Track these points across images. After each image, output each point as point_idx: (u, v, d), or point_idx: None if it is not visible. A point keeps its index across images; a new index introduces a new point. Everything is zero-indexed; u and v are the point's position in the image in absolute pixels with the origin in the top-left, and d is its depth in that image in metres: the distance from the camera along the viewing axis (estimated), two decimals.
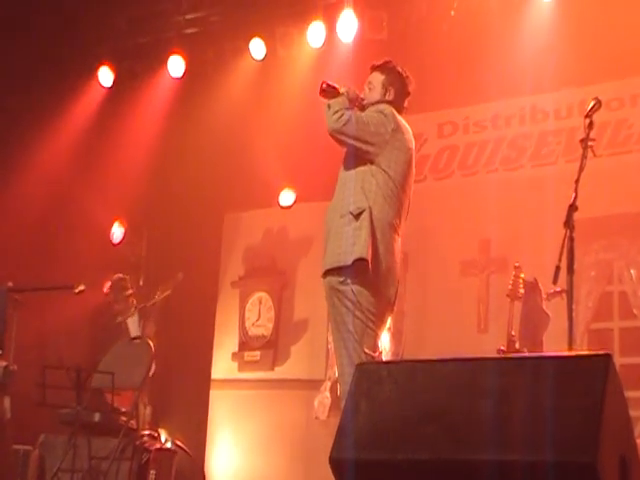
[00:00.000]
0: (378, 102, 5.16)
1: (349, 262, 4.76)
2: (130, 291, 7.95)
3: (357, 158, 5.00)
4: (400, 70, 5.28)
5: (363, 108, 5.17)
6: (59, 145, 9.32)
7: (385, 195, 4.91)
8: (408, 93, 5.28)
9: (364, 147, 4.95)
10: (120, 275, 8.18)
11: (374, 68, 5.29)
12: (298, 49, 8.76)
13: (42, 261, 8.91)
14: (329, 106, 4.99)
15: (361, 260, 4.74)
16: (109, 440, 6.28)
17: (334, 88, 5.09)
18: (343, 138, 4.96)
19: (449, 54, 8.05)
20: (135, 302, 8.05)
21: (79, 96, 9.52)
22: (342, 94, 5.04)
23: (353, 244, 4.78)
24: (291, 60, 8.86)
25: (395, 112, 5.10)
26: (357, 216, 4.84)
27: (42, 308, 7.60)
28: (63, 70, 9.23)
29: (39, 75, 9.18)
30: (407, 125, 5.17)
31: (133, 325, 7.91)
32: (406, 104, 5.28)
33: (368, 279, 4.76)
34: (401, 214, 5.00)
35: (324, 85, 5.10)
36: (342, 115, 4.91)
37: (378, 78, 5.24)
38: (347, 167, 5.06)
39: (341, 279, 4.79)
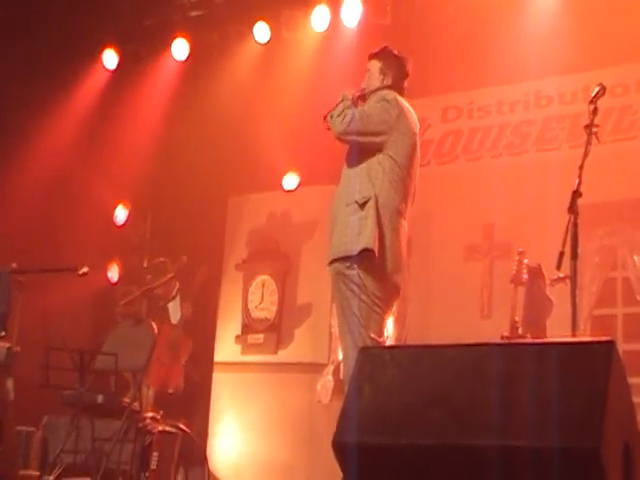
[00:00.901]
0: (378, 89, 5.17)
1: (355, 252, 4.78)
2: (171, 274, 7.96)
3: (362, 150, 5.01)
4: (396, 53, 5.32)
5: (365, 98, 5.19)
6: (63, 128, 9.32)
7: (391, 180, 4.92)
8: (407, 74, 5.32)
9: (372, 139, 4.97)
10: (161, 259, 8.19)
11: (371, 56, 5.34)
12: (302, 33, 8.75)
13: (46, 243, 8.92)
14: (332, 115, 5.00)
15: (367, 250, 4.75)
16: (112, 422, 6.30)
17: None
18: (351, 138, 4.97)
19: (453, 38, 8.03)
20: (177, 285, 8.11)
21: (83, 79, 9.51)
22: (340, 102, 5.05)
23: (359, 234, 4.79)
24: (295, 44, 8.85)
25: (398, 96, 5.12)
26: (363, 205, 4.84)
27: (46, 290, 7.61)
28: (67, 53, 9.22)
29: (43, 59, 9.17)
30: (410, 108, 5.19)
31: (174, 309, 7.97)
32: (406, 85, 5.31)
33: (374, 266, 4.77)
34: (407, 199, 5.01)
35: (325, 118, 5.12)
36: (345, 116, 4.93)
37: (375, 65, 5.28)
38: (351, 160, 5.07)
39: (347, 264, 4.81)
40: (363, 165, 4.98)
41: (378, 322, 4.83)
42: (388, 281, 4.86)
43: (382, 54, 5.32)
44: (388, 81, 5.22)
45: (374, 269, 4.78)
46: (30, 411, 7.17)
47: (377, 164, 4.94)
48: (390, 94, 5.10)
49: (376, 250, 4.74)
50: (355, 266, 4.78)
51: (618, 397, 2.89)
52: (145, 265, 9.72)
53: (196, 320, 8.48)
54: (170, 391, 7.57)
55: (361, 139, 4.96)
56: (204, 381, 8.99)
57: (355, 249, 4.77)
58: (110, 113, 9.32)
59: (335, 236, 4.91)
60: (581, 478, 2.70)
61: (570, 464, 2.70)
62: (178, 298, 8.02)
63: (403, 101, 5.14)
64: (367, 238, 4.76)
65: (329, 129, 5.06)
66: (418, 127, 5.20)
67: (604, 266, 7.50)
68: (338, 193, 5.05)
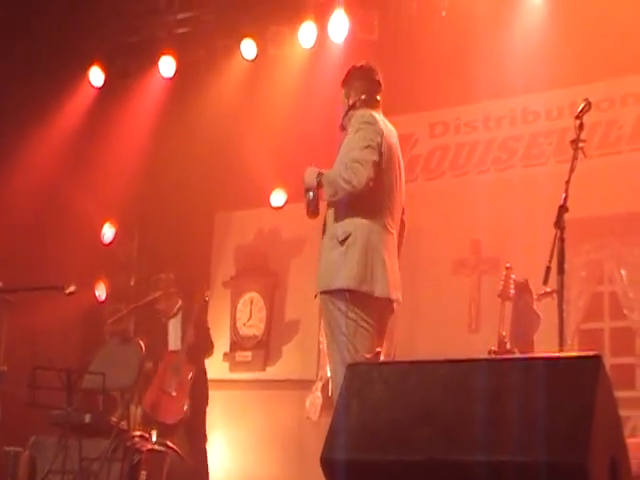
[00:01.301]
0: (346, 112, 5.06)
1: (336, 287, 4.76)
2: (173, 289, 7.91)
3: None
4: (361, 65, 5.17)
5: (343, 127, 5.10)
6: (50, 145, 9.30)
7: (374, 203, 4.83)
8: (376, 83, 5.13)
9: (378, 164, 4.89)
10: (161, 275, 8.13)
11: (341, 85, 5.20)
12: (289, 49, 8.76)
13: (33, 261, 8.89)
14: (327, 188, 4.82)
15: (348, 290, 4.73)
16: (100, 441, 6.26)
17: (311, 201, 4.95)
18: (365, 184, 4.71)
19: (440, 54, 8.05)
20: (180, 302, 8.08)
21: (70, 96, 9.50)
22: (315, 183, 4.86)
23: (339, 270, 4.75)
24: (282, 60, 8.86)
25: (370, 112, 4.95)
26: (342, 242, 4.79)
27: (33, 308, 7.56)
28: (54, 70, 9.20)
29: (29, 75, 9.15)
30: (385, 120, 5.02)
31: (174, 328, 7.90)
32: (379, 97, 5.11)
33: (360, 296, 4.73)
34: (393, 210, 4.94)
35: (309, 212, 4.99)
36: (339, 189, 4.74)
37: (343, 93, 5.14)
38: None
39: (333, 296, 4.79)
40: None
41: (367, 338, 4.78)
42: (378, 301, 4.81)
43: (345, 79, 5.17)
44: (352, 100, 5.06)
45: (360, 298, 4.75)
46: (17, 431, 7.13)
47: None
48: (364, 116, 4.91)
49: (355, 289, 4.71)
50: (340, 297, 4.75)
51: (605, 411, 2.89)
52: (132, 283, 9.69)
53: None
54: (171, 422, 7.46)
55: (372, 174, 4.77)
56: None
57: (337, 285, 4.75)
58: (97, 130, 9.31)
59: (320, 267, 4.86)
60: None
61: (557, 479, 2.70)
62: (179, 317, 7.96)
63: (375, 114, 4.96)
64: (345, 279, 4.71)
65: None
66: (394, 134, 5.03)
67: (591, 280, 7.52)
68: (326, 217, 5.00)
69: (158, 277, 8.08)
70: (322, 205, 4.96)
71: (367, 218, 4.81)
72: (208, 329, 8.13)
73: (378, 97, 5.13)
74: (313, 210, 4.94)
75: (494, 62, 7.78)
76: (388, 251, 4.86)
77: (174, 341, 7.88)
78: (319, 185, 4.85)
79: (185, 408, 7.49)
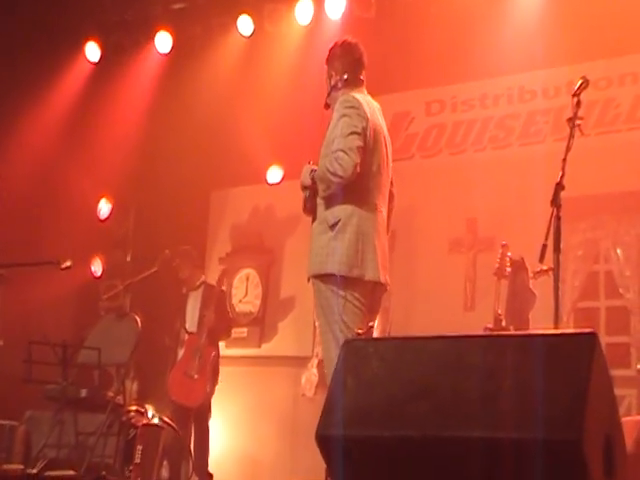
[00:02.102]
0: (329, 93, 5.04)
1: (328, 272, 4.77)
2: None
3: None
4: (343, 41, 5.10)
5: (327, 105, 5.08)
6: (46, 121, 9.28)
7: (362, 186, 4.82)
8: (359, 61, 5.06)
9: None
10: (186, 246, 8.19)
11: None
12: (286, 26, 8.73)
13: (28, 237, 8.89)
14: (320, 184, 4.81)
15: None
16: (96, 416, 6.29)
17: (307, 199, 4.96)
18: (354, 168, 4.70)
19: (437, 32, 8.02)
20: (203, 277, 8.18)
21: (66, 72, 9.47)
22: (310, 181, 4.87)
23: (328, 254, 4.75)
24: (279, 37, 8.82)
25: (354, 95, 4.89)
26: (332, 226, 4.78)
27: (28, 284, 7.57)
28: (50, 46, 9.17)
29: (25, 51, 9.12)
30: (367, 99, 4.97)
31: (194, 301, 7.95)
32: (362, 75, 5.05)
33: (351, 279, 4.74)
34: (381, 188, 4.93)
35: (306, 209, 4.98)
36: (330, 183, 4.74)
37: (326, 73, 5.10)
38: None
39: (324, 280, 4.80)
40: None
41: (358, 315, 4.79)
42: (368, 284, 4.82)
43: (327, 57, 5.12)
44: (334, 81, 5.01)
45: (351, 282, 4.75)
46: (12, 405, 7.14)
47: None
48: (347, 100, 4.84)
49: (344, 274, 4.72)
50: (332, 280, 4.76)
51: (600, 389, 2.90)
52: (128, 259, 9.69)
53: None
54: (194, 405, 7.51)
55: (358, 159, 4.73)
56: None
57: (327, 269, 4.76)
58: (92, 106, 9.28)
59: (311, 251, 4.86)
60: (563, 470, 2.70)
61: (552, 456, 2.71)
62: (200, 291, 8.02)
63: (359, 96, 4.90)
64: (336, 264, 4.72)
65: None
66: (378, 113, 4.99)
67: (587, 259, 7.53)
68: (318, 208, 4.94)
69: (183, 248, 8.12)
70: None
71: (356, 202, 4.81)
72: (228, 313, 8.30)
73: (361, 75, 5.07)
74: (310, 208, 4.95)
75: (491, 40, 7.75)
76: (378, 233, 4.87)
77: (192, 315, 7.95)
78: (313, 183, 4.85)
79: (208, 390, 7.58)
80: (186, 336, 7.89)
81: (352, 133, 4.73)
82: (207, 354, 7.69)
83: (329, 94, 5.07)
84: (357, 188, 4.79)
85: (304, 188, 4.95)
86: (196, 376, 7.60)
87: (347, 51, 5.08)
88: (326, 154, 4.78)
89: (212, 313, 7.73)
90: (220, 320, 7.83)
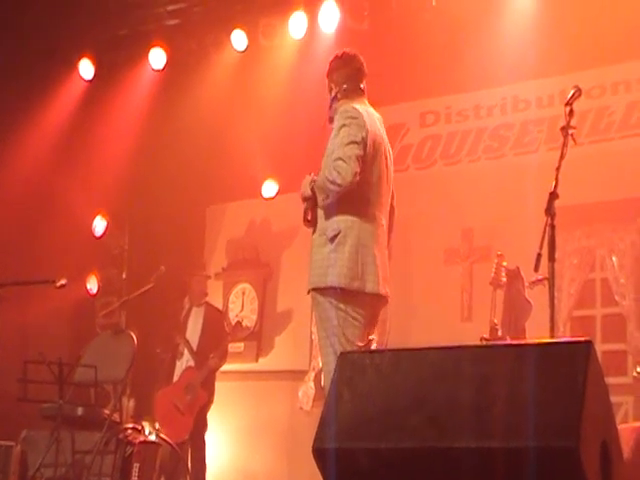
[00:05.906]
0: (330, 105, 5.05)
1: (328, 285, 4.76)
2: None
3: None
4: (342, 53, 5.12)
5: (331, 119, 5.08)
6: (41, 138, 9.27)
7: (362, 197, 4.82)
8: (359, 71, 5.08)
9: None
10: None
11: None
12: (280, 40, 8.72)
13: (24, 255, 8.88)
14: (319, 194, 4.81)
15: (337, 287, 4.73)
16: (93, 434, 6.25)
17: (308, 211, 4.94)
18: (354, 176, 4.70)
19: (431, 43, 8.03)
20: (207, 293, 8.32)
21: (60, 89, 9.46)
22: (310, 192, 4.86)
23: (328, 267, 4.75)
24: (273, 51, 8.82)
25: (354, 105, 4.90)
26: (332, 239, 4.78)
27: (24, 302, 7.56)
28: (44, 63, 9.17)
29: (19, 68, 9.12)
30: (369, 110, 4.98)
31: (196, 317, 7.98)
32: (363, 85, 5.07)
33: (350, 292, 4.73)
34: (381, 200, 4.93)
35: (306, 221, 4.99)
36: (330, 191, 4.75)
37: (327, 86, 5.12)
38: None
39: (323, 293, 4.79)
40: None
41: (358, 328, 4.78)
42: (369, 296, 4.81)
43: (328, 70, 5.14)
44: (334, 92, 5.04)
45: (352, 295, 4.75)
46: (8, 425, 7.10)
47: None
48: (348, 110, 4.86)
49: (344, 286, 4.71)
50: (331, 293, 4.75)
51: (596, 397, 2.89)
52: (124, 276, 9.67)
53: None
54: (174, 440, 7.48)
55: (357, 167, 4.72)
56: None
57: (327, 282, 4.75)
58: (87, 123, 9.27)
59: (311, 264, 4.86)
60: (560, 478, 2.70)
61: (549, 464, 2.70)
62: (203, 308, 8.03)
63: (358, 106, 4.92)
64: (336, 277, 4.72)
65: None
66: (378, 125, 5.01)
67: (583, 267, 7.52)
68: (318, 220, 4.94)
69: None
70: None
71: (356, 213, 4.81)
72: (227, 344, 8.18)
73: (362, 85, 5.09)
74: (310, 220, 4.93)
75: (485, 51, 7.77)
76: (378, 245, 4.87)
77: (192, 331, 8.00)
78: (313, 193, 4.84)
79: (187, 436, 7.62)
80: (185, 350, 7.91)
81: (351, 142, 4.74)
82: (200, 396, 7.76)
83: (330, 106, 5.08)
84: (357, 198, 4.79)
85: (304, 199, 4.94)
86: (183, 411, 7.69)
87: (345, 62, 5.10)
88: (327, 165, 4.78)
89: (218, 359, 7.82)
90: (220, 348, 7.92)
